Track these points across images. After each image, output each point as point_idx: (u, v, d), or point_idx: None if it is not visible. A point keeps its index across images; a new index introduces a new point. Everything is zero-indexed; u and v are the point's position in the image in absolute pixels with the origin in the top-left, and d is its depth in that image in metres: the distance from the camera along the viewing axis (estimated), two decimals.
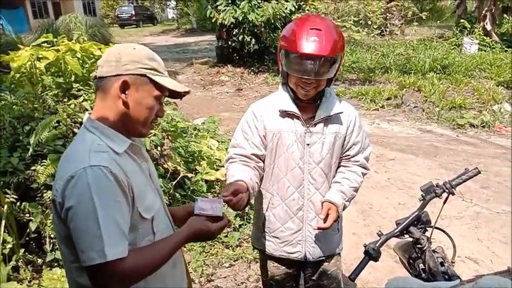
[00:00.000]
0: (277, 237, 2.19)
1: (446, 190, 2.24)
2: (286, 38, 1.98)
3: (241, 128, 2.14)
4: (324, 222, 2.01)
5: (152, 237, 1.43)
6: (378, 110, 9.15)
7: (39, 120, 3.28)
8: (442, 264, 2.47)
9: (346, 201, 2.11)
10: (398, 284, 1.38)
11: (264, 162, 2.15)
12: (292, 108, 2.04)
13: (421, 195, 2.34)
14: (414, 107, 8.94)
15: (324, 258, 2.23)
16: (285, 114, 2.06)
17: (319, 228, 2.04)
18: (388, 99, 9.50)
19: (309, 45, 1.87)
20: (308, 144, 2.05)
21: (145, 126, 1.43)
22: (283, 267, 2.27)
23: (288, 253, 2.20)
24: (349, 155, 2.18)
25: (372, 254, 2.08)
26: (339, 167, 2.22)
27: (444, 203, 2.35)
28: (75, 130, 3.49)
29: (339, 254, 2.33)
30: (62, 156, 1.38)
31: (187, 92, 1.50)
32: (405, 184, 5.43)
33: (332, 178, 2.18)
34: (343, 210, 2.14)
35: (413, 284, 1.37)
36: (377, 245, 2.08)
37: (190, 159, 4.41)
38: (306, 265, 2.32)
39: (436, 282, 1.74)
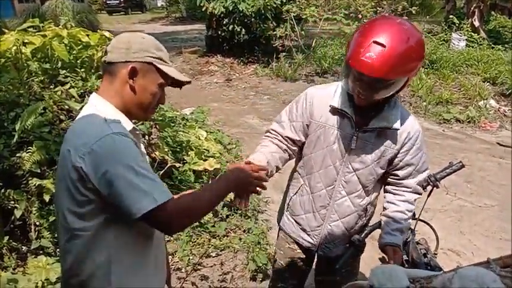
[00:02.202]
0: (298, 223, 2.18)
1: (431, 183, 2.27)
2: (350, 41, 1.76)
3: (289, 107, 2.07)
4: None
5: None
6: None
7: (24, 107, 3.22)
8: (425, 255, 2.53)
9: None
10: (382, 272, 1.40)
11: (301, 148, 2.10)
12: (345, 107, 1.90)
13: None
14: (402, 101, 9.01)
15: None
16: (336, 111, 1.94)
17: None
18: None
19: (361, 62, 1.64)
20: (352, 149, 1.94)
21: (147, 110, 1.51)
22: (297, 251, 2.26)
23: (303, 239, 2.19)
24: (398, 176, 2.05)
25: (357, 245, 2.11)
26: (385, 183, 2.14)
27: (428, 195, 2.39)
28: (62, 117, 3.44)
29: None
30: (72, 128, 1.44)
31: (189, 82, 1.58)
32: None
33: (371, 191, 2.09)
34: None
35: (397, 271, 1.39)
36: (362, 235, 2.11)
37: (178, 149, 4.39)
38: (319, 259, 2.34)
39: (419, 270, 1.76)
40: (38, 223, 3.05)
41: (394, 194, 2.10)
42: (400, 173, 2.04)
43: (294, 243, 2.24)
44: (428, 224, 2.52)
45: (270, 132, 2.11)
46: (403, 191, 2.08)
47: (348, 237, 2.11)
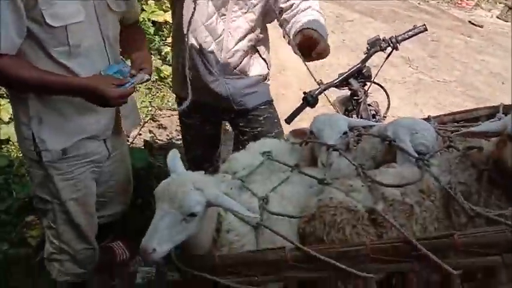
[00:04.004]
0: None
1: (391, 44, 2.23)
2: None
3: None
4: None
5: (67, 49, 1.44)
6: None
7: None
8: (374, 116, 2.60)
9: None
10: (323, 118, 1.44)
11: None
12: None
13: (366, 48, 2.34)
14: None
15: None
16: None
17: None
18: None
19: None
20: None
21: None
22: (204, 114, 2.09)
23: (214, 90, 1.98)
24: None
25: (309, 101, 2.12)
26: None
27: (387, 57, 2.38)
28: None
29: (271, 102, 2.19)
30: None
31: None
32: (358, 46, 5.41)
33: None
34: None
35: (339, 118, 1.42)
36: (316, 92, 2.12)
37: None
38: (236, 115, 2.14)
39: (360, 120, 1.83)
40: None
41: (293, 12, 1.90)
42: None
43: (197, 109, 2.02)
44: (381, 86, 2.54)
45: None
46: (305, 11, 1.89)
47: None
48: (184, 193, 1.05)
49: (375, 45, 2.30)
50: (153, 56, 4.09)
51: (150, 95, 3.73)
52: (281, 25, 1.93)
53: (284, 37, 1.96)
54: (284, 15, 1.91)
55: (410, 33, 2.25)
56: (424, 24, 2.22)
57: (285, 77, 4.36)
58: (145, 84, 3.77)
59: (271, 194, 1.27)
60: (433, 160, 1.21)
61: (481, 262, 1.01)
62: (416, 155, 1.23)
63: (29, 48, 1.42)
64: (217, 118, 2.20)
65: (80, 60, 1.49)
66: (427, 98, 4.59)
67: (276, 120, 2.18)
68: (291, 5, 1.89)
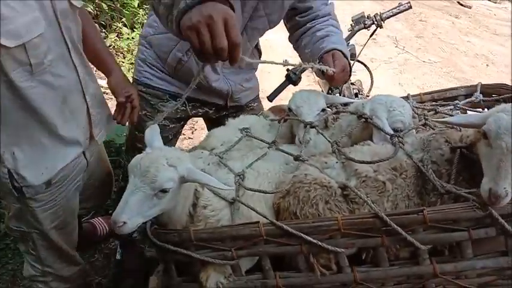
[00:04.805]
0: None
1: (375, 22, 2.22)
2: None
3: None
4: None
5: (29, 69, 1.22)
6: None
7: None
8: (356, 95, 2.62)
9: None
10: (301, 95, 1.43)
11: None
12: None
13: (351, 25, 2.33)
14: None
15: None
16: None
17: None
18: None
19: None
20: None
21: None
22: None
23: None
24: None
25: (292, 78, 2.11)
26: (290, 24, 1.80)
27: (371, 35, 2.37)
28: None
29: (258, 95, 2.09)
30: None
31: None
32: (345, 26, 5.39)
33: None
34: None
35: (316, 95, 1.42)
36: (299, 70, 2.10)
37: None
38: (226, 112, 1.97)
39: (338, 97, 1.84)
40: None
41: (313, 25, 1.73)
42: (314, 3, 1.72)
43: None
44: (364, 64, 2.54)
45: None
46: (322, 20, 1.74)
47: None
48: (157, 169, 1.04)
49: (359, 23, 2.30)
50: (135, 30, 4.01)
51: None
52: (293, 27, 1.78)
53: (295, 47, 1.84)
54: (298, 18, 1.75)
55: (394, 10, 2.24)
56: (409, 2, 2.21)
57: (271, 56, 4.33)
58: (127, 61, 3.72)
59: (248, 170, 1.26)
60: (408, 138, 1.22)
61: (449, 237, 1.04)
62: (392, 132, 1.24)
63: None
64: (197, 115, 1.98)
65: (44, 78, 1.27)
66: (411, 79, 4.61)
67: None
68: (308, 8, 1.73)
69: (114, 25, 3.87)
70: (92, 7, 3.54)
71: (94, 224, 2.22)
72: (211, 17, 0.91)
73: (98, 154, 1.73)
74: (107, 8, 3.78)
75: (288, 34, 1.88)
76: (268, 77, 3.74)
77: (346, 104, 1.49)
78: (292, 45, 1.89)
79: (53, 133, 1.36)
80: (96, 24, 3.70)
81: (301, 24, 1.75)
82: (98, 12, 3.74)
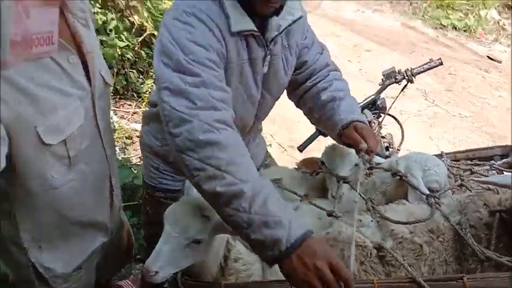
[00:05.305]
0: None
1: (406, 77, 2.25)
2: None
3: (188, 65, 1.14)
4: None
5: (67, 162, 1.14)
6: None
7: None
8: (387, 148, 2.61)
9: None
10: (333, 149, 1.44)
11: None
12: (249, 25, 1.22)
13: (382, 79, 2.36)
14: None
15: None
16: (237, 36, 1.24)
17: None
18: None
19: None
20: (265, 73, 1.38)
21: None
22: None
23: None
24: (307, 62, 1.49)
25: (322, 131, 2.14)
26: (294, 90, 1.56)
27: (402, 90, 2.39)
28: None
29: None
30: None
31: None
32: (375, 77, 5.44)
33: None
34: None
35: (348, 150, 1.42)
36: None
37: (159, 18, 4.16)
38: None
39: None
40: None
41: (314, 83, 1.51)
42: (308, 56, 1.50)
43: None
44: (396, 118, 2.55)
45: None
46: (322, 74, 1.52)
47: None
48: (190, 219, 1.05)
49: (390, 77, 2.33)
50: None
51: None
52: (290, 85, 1.52)
53: (297, 106, 1.61)
54: (294, 75, 1.50)
55: (425, 66, 2.27)
56: (440, 58, 2.24)
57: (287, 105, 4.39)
58: None
59: None
60: (444, 199, 1.19)
61: None
62: (428, 192, 1.22)
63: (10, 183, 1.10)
64: None
65: (78, 168, 1.18)
66: (441, 133, 4.56)
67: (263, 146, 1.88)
68: (303, 63, 1.50)
69: (151, 72, 4.05)
70: (131, 54, 3.72)
71: (122, 286, 2.16)
72: (317, 267, 0.93)
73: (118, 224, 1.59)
74: (145, 56, 3.97)
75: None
76: (298, 127, 3.79)
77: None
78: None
79: (84, 222, 1.29)
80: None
81: (299, 82, 1.52)
82: (137, 59, 3.93)
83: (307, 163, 1.62)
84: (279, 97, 1.50)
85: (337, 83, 1.49)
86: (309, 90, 1.51)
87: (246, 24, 1.21)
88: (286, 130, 4.21)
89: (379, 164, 1.46)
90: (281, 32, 1.29)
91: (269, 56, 1.31)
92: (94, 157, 1.24)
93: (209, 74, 1.10)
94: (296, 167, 1.65)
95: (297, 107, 1.61)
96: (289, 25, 1.30)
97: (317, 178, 1.50)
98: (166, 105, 1.08)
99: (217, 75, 1.14)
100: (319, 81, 1.49)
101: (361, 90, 5.29)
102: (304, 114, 1.59)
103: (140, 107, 3.84)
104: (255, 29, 1.22)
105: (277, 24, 1.27)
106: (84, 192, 1.23)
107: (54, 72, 1.06)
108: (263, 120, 1.59)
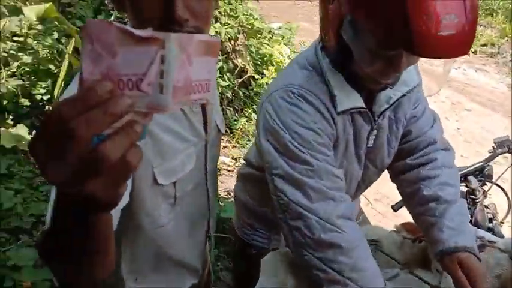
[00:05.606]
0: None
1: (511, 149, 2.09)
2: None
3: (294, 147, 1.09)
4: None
5: (172, 202, 1.16)
6: (469, 55, 8.35)
7: None
8: (490, 220, 2.39)
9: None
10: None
11: None
12: (357, 102, 1.14)
13: (493, 146, 2.21)
14: (510, 60, 8.07)
15: None
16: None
17: None
18: (484, 45, 8.60)
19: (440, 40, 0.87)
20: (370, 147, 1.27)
21: None
22: None
23: None
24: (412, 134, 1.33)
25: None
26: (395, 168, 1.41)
27: None
28: None
29: None
30: None
31: None
32: (474, 138, 5.12)
33: None
34: None
35: None
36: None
37: (259, 62, 4.36)
38: None
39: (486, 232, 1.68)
40: None
41: (416, 164, 1.33)
42: (415, 126, 1.32)
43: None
44: (504, 190, 2.34)
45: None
46: (428, 155, 1.33)
47: None
48: None
49: (502, 146, 2.17)
50: None
51: None
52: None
53: (400, 192, 1.44)
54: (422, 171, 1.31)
55: None
56: None
57: None
58: None
59: None
60: None
61: None
62: None
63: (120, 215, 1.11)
64: None
65: (181, 209, 1.21)
66: None
67: None
68: (416, 145, 1.34)
69: (246, 110, 4.21)
70: (230, 93, 3.91)
71: None
72: None
73: None
74: (242, 95, 4.15)
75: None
76: (387, 179, 3.65)
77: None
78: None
79: (180, 262, 1.28)
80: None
81: (398, 156, 1.35)
82: (234, 98, 4.12)
83: (409, 228, 1.53)
84: (384, 169, 1.38)
85: (445, 173, 1.28)
86: (409, 172, 1.34)
87: (353, 101, 1.12)
88: None
89: (492, 242, 1.34)
90: (391, 106, 1.18)
91: (375, 131, 1.21)
92: (196, 199, 1.26)
93: (320, 160, 1.06)
94: (395, 229, 1.57)
95: (392, 181, 1.45)
96: (401, 97, 1.18)
97: (419, 246, 1.41)
98: (283, 195, 1.06)
99: (328, 159, 1.09)
100: (423, 165, 1.31)
101: (458, 150, 4.99)
102: (399, 192, 1.42)
103: (231, 142, 3.99)
104: (363, 105, 1.13)
105: (387, 97, 1.16)
106: (184, 232, 1.25)
107: (179, 119, 1.11)
108: (365, 190, 1.50)
